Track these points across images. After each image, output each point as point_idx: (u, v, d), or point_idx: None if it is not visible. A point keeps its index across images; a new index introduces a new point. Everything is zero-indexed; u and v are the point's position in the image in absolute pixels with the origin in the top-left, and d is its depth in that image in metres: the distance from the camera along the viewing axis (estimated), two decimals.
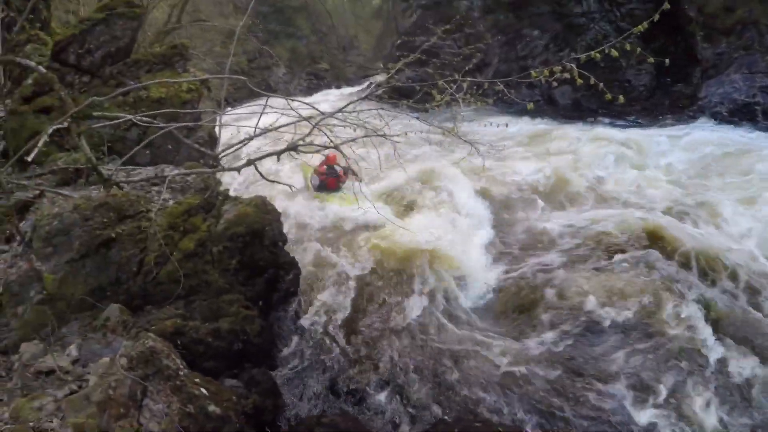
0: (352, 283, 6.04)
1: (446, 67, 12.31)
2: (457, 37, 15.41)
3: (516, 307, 5.66)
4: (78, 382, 3.44)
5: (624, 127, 11.50)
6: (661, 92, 13.20)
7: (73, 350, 3.75)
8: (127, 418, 3.17)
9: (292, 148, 4.20)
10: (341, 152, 4.39)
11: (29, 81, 7.04)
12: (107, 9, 7.67)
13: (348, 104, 4.41)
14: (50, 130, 3.97)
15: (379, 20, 31.61)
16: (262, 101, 4.54)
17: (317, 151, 4.58)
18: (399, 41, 17.52)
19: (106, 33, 7.55)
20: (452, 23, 11.06)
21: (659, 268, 5.67)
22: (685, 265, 5.72)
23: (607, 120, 12.39)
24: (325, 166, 8.26)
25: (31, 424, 3.01)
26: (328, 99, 16.48)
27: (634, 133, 10.34)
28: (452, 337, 5.23)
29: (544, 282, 5.79)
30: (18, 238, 4.57)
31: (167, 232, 4.42)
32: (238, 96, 15.48)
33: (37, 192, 5.18)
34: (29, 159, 4.09)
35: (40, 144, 3.88)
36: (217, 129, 5.33)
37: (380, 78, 23.35)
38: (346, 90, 21.80)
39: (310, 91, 21.58)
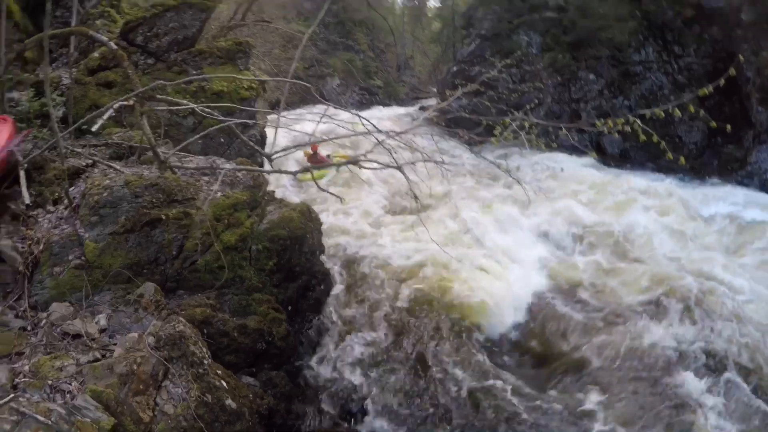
0: (383, 308, 5.98)
1: (500, 100, 12.41)
2: (513, 72, 15.43)
3: (546, 355, 5.56)
4: (102, 350, 3.48)
5: (670, 182, 11.27)
6: (711, 152, 12.95)
7: (102, 319, 3.81)
8: (144, 395, 3.21)
9: (354, 162, 4.25)
10: (403, 173, 4.41)
11: (96, 54, 7.30)
12: None
13: (411, 128, 4.47)
14: (116, 105, 4.08)
15: (438, 45, 31.84)
16: (314, 108, 4.63)
17: (378, 169, 4.62)
18: (455, 68, 17.61)
19: (175, 20, 7.81)
20: (512, 58, 11.14)
21: (682, 329, 5.53)
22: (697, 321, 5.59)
23: (654, 174, 12.09)
24: (311, 152, 11.11)
25: (49, 382, 3.06)
26: (378, 116, 16.60)
27: (679, 190, 10.12)
28: (474, 375, 5.10)
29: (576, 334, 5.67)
30: (65, 202, 4.67)
31: (212, 223, 4.46)
32: (291, 100, 15.75)
33: (90, 161, 5.34)
34: (93, 129, 4.20)
35: (105, 117, 3.99)
36: (272, 130, 5.42)
37: (431, 102, 23.63)
38: (398, 110, 21.97)
39: (361, 105, 21.81)
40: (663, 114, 3.59)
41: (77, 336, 3.58)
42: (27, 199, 4.56)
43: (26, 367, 3.20)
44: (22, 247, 4.21)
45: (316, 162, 10.73)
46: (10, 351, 3.37)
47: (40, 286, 4.05)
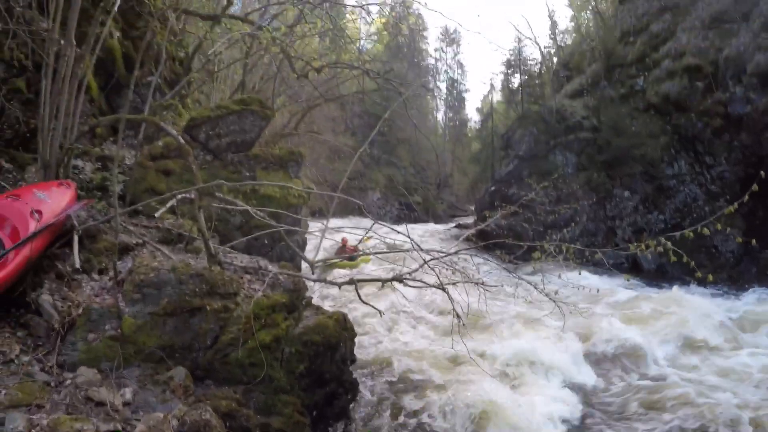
0: (409, 422, 5.81)
1: (537, 221, 12.64)
2: (549, 192, 15.79)
3: None
4: (124, 423, 3.47)
5: (709, 295, 10.97)
6: (748, 258, 12.73)
7: (128, 393, 3.82)
8: None
9: (399, 279, 4.40)
10: (448, 294, 4.52)
11: (160, 143, 7.90)
12: (243, 104, 8.63)
13: (456, 251, 4.65)
14: (179, 196, 4.38)
15: (476, 164, 33.00)
16: (354, 219, 4.94)
17: (421, 287, 4.76)
18: (493, 188, 18.14)
19: (236, 124, 8.42)
20: (549, 180, 11.50)
21: None
22: None
23: (692, 287, 11.85)
24: (341, 245, 12.98)
25: None
26: (417, 231, 17.01)
27: (719, 304, 9.90)
28: None
29: None
30: (111, 274, 4.87)
31: (249, 320, 4.57)
32: (333, 210, 16.34)
33: (140, 241, 5.64)
34: (156, 215, 4.48)
35: (168, 205, 4.28)
36: (316, 238, 5.68)
37: (468, 220, 24.10)
38: (436, 226, 22.41)
39: (399, 220, 22.42)
40: (692, 234, 3.69)
41: (101, 404, 3.59)
42: (77, 263, 4.78)
43: (44, 421, 3.20)
44: (61, 306, 4.35)
45: (345, 252, 12.36)
46: (31, 402, 3.39)
47: (71, 347, 4.13)
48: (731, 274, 12.66)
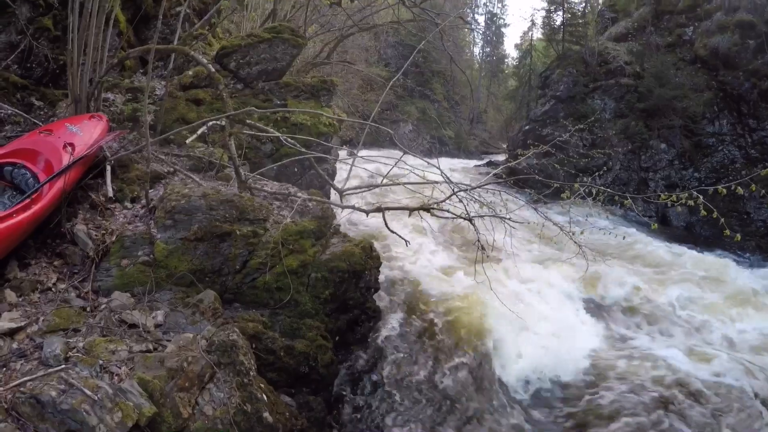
0: (427, 351, 5.97)
1: (569, 163, 12.40)
2: (584, 136, 15.40)
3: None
4: (155, 343, 3.67)
5: (736, 262, 10.78)
6: None
7: (159, 315, 4.01)
8: (188, 393, 3.35)
9: (426, 208, 4.41)
10: (474, 225, 4.55)
11: (190, 72, 7.88)
12: (274, 32, 8.47)
13: (482, 183, 4.61)
14: (210, 123, 4.40)
15: (512, 102, 32.18)
16: (385, 150, 4.90)
17: (449, 218, 4.78)
18: (527, 127, 17.74)
19: (267, 52, 8.30)
20: (584, 123, 11.17)
21: None
22: None
23: (719, 251, 11.68)
24: None
25: (100, 362, 3.24)
26: (447, 165, 16.83)
27: (745, 272, 9.72)
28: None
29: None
30: (143, 202, 5.02)
31: (277, 246, 4.68)
32: (364, 140, 16.26)
33: (171, 169, 5.75)
34: (188, 142, 4.53)
35: (198, 132, 4.32)
36: (343, 166, 5.68)
37: (500, 157, 23.78)
38: (467, 162, 22.15)
39: (430, 154, 22.18)
40: (724, 191, 3.58)
41: (133, 326, 3.80)
42: (110, 192, 4.95)
43: (80, 344, 3.39)
44: (96, 235, 4.53)
45: None
46: (68, 326, 3.61)
47: (105, 273, 4.33)
48: (760, 243, 12.38)
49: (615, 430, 5.19)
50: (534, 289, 7.70)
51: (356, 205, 5.35)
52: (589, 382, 6.00)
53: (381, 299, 6.40)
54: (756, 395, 5.72)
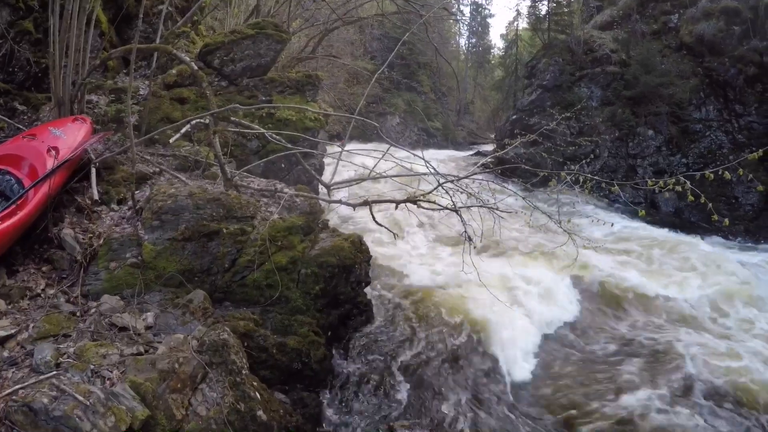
0: (419, 343, 5.99)
1: (557, 152, 12.47)
2: (571, 124, 15.47)
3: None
4: (146, 346, 3.66)
5: (724, 246, 10.91)
6: None
7: (149, 317, 4.00)
8: (181, 394, 3.36)
9: (413, 200, 4.41)
10: (461, 216, 4.56)
11: (173, 71, 7.81)
12: (258, 27, 8.42)
13: (470, 174, 4.61)
14: (194, 122, 4.38)
15: (498, 92, 32.22)
16: (373, 144, 4.89)
17: (435, 210, 4.79)
18: (514, 116, 17.79)
19: (251, 48, 8.26)
20: (571, 111, 11.22)
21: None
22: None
23: (707, 235, 11.83)
24: None
25: (92, 366, 3.24)
26: (435, 157, 16.86)
27: (733, 255, 9.82)
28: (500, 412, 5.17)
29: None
30: (130, 203, 5.00)
31: (265, 243, 4.67)
32: (351, 134, 16.20)
33: (157, 169, 5.72)
34: (171, 141, 4.52)
35: (182, 131, 4.30)
36: (331, 160, 5.68)
37: (487, 148, 23.85)
38: (455, 153, 22.16)
39: (418, 145, 22.06)
40: (712, 176, 3.62)
41: (124, 329, 3.79)
42: (96, 195, 4.90)
43: (71, 349, 3.39)
44: (83, 239, 4.52)
45: None
46: (58, 332, 3.60)
47: (94, 277, 4.32)
48: (749, 227, 12.54)
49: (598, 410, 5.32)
50: (523, 277, 7.76)
51: (343, 199, 5.35)
52: (579, 368, 6.09)
53: (372, 293, 6.41)
54: None
